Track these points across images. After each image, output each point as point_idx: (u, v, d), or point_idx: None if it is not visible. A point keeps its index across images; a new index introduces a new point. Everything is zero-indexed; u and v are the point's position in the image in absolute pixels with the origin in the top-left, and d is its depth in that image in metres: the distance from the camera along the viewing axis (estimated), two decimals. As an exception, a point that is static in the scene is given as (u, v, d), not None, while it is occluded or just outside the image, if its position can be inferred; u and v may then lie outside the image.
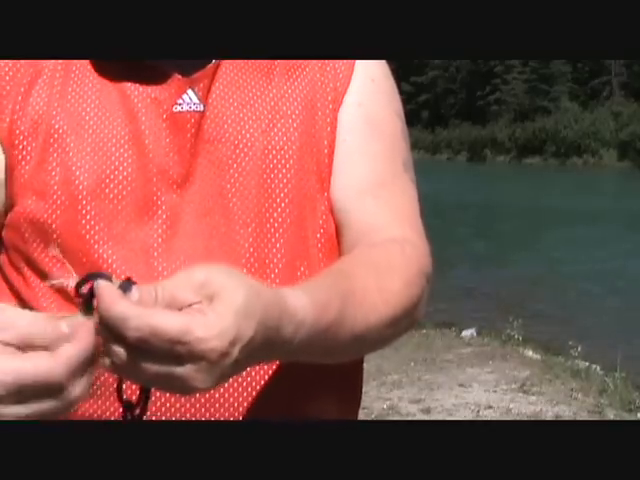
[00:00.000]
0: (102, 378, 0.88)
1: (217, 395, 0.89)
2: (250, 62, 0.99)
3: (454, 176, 36.55)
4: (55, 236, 0.91)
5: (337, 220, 0.98)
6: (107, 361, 0.68)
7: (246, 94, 0.98)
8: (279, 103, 0.98)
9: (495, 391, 5.27)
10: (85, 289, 0.69)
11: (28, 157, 0.93)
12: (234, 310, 0.68)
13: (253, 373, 0.90)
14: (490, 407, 4.93)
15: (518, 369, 5.80)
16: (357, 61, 1.02)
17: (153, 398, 0.76)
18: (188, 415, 0.88)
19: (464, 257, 11.81)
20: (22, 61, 0.96)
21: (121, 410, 0.81)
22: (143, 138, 0.94)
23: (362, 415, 1.06)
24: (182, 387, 0.68)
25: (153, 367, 0.67)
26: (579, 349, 6.28)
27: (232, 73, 0.98)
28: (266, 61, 1.00)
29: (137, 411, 0.76)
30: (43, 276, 0.92)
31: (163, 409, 0.88)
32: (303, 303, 0.76)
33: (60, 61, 0.97)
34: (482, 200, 23.46)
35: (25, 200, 0.93)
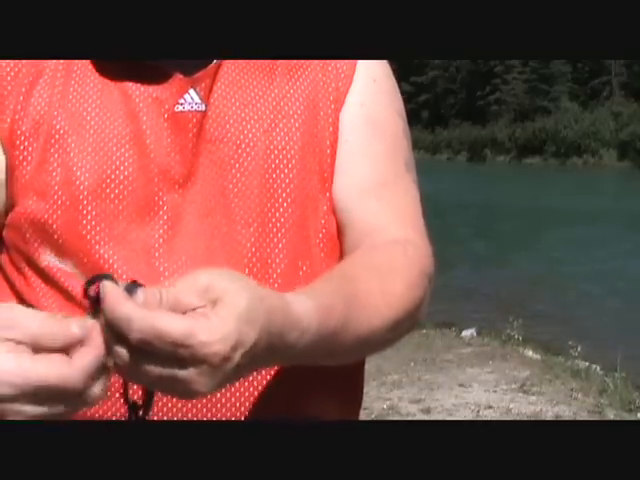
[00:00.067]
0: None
1: (218, 395, 0.89)
2: (252, 62, 0.99)
3: (454, 176, 36.53)
4: (56, 236, 0.91)
5: (339, 220, 0.98)
6: (111, 361, 0.68)
7: (248, 94, 0.98)
8: (281, 103, 0.98)
9: (495, 391, 5.27)
10: (92, 291, 0.69)
11: (29, 157, 0.93)
12: (236, 315, 0.68)
13: (254, 374, 0.90)
14: (490, 407, 4.93)
15: (518, 369, 5.80)
16: (359, 61, 1.02)
17: (155, 398, 0.76)
18: (190, 415, 0.88)
19: (464, 257, 11.81)
20: (24, 61, 0.96)
21: (123, 411, 0.81)
22: (144, 138, 0.93)
23: (362, 415, 1.06)
24: (184, 390, 0.68)
25: (156, 369, 0.67)
26: (579, 349, 6.28)
27: (234, 73, 0.98)
28: (268, 61, 1.00)
29: (141, 412, 0.76)
30: (44, 276, 0.92)
31: (165, 409, 0.88)
32: (308, 308, 0.76)
33: (61, 61, 0.97)
34: (482, 200, 23.45)
35: (26, 200, 0.93)
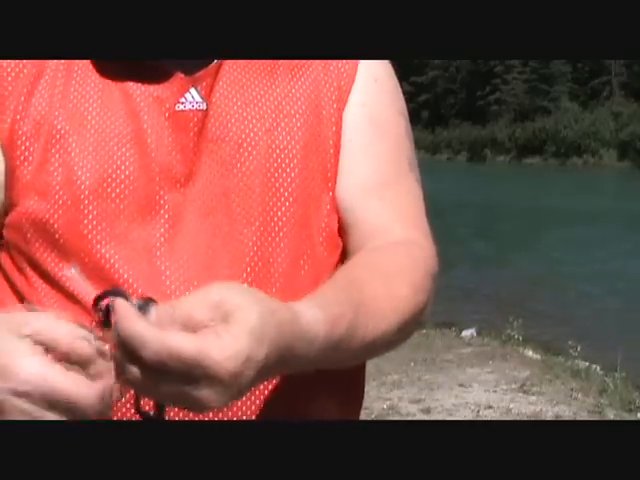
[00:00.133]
0: None
1: None
2: (253, 61, 0.99)
3: (454, 176, 36.54)
4: (57, 236, 0.91)
5: (343, 219, 0.98)
6: (123, 378, 0.69)
7: (250, 93, 0.98)
8: (283, 102, 0.98)
9: (495, 391, 5.27)
10: (103, 305, 0.69)
11: (30, 158, 0.93)
12: (248, 331, 0.69)
13: None
14: (490, 407, 4.93)
15: (518, 369, 5.80)
16: (360, 61, 1.02)
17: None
18: (191, 415, 0.88)
19: (464, 257, 11.80)
20: (25, 61, 0.96)
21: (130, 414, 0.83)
22: (145, 137, 0.93)
23: (362, 415, 1.06)
24: (195, 406, 0.69)
25: (168, 387, 0.68)
26: (579, 349, 6.28)
27: (235, 72, 0.98)
28: (269, 61, 1.00)
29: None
30: (45, 276, 0.92)
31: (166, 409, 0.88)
32: (316, 319, 0.77)
33: (62, 61, 0.97)
34: (482, 200, 23.45)
35: (27, 200, 0.92)
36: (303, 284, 0.93)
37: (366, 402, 1.04)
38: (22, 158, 0.93)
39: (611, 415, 4.85)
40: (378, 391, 5.11)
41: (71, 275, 0.79)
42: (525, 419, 4.65)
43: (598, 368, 5.93)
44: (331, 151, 0.98)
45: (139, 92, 0.95)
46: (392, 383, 5.44)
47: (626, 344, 6.33)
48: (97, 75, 0.96)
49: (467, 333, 7.12)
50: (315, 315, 0.77)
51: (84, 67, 0.97)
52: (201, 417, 0.88)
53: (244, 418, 0.90)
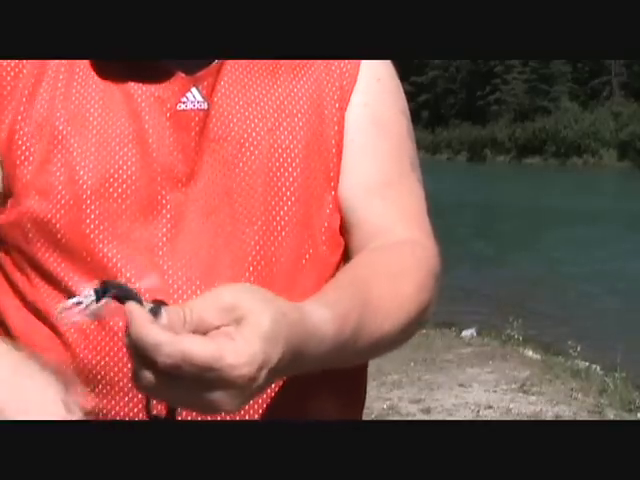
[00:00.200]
0: (115, 377, 0.88)
1: None
2: (255, 61, 0.99)
3: (454, 176, 36.53)
4: (59, 236, 0.91)
5: (346, 219, 0.98)
6: (136, 383, 0.69)
7: (251, 93, 0.98)
8: (284, 102, 0.98)
9: (495, 391, 5.27)
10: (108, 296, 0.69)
11: (31, 158, 0.93)
12: (261, 334, 0.69)
13: None
14: (490, 407, 4.93)
15: (518, 369, 5.80)
16: (362, 61, 1.02)
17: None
18: (192, 415, 0.88)
19: (464, 257, 11.79)
20: (25, 61, 0.96)
21: (136, 411, 0.85)
22: (147, 137, 0.93)
23: (362, 415, 1.06)
24: (209, 409, 0.70)
25: (182, 391, 0.68)
26: (579, 349, 6.28)
27: (237, 72, 0.98)
28: (271, 60, 1.00)
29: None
30: (47, 276, 0.92)
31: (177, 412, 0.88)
32: (325, 319, 0.77)
33: (64, 62, 0.97)
34: (482, 200, 23.45)
35: (28, 200, 0.92)
36: (305, 283, 0.93)
37: (366, 402, 1.05)
38: (22, 158, 0.93)
39: (611, 415, 4.85)
40: (378, 391, 5.11)
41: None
42: (525, 419, 4.65)
43: (598, 368, 5.92)
44: (333, 151, 0.98)
45: (140, 92, 0.95)
46: (392, 383, 5.44)
47: (626, 344, 6.32)
48: (98, 76, 0.96)
49: (467, 333, 7.12)
50: (323, 314, 0.77)
51: (85, 68, 0.97)
52: (202, 417, 0.88)
53: (247, 417, 0.90)
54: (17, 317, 0.94)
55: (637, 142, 48.81)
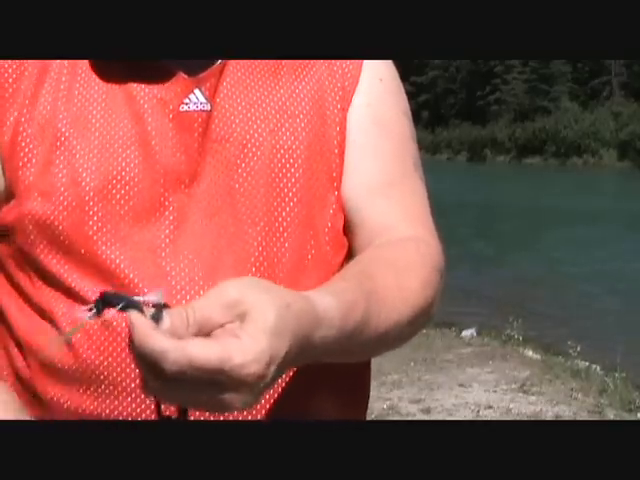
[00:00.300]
0: (118, 378, 0.88)
1: None
2: (257, 62, 0.99)
3: (454, 176, 36.51)
4: (62, 237, 0.91)
5: (349, 219, 0.98)
6: (146, 389, 0.69)
7: (254, 94, 0.98)
8: (287, 103, 0.98)
9: (495, 391, 5.27)
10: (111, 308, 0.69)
11: (33, 160, 0.93)
12: (267, 330, 0.69)
13: None
14: (490, 407, 4.93)
15: (518, 369, 5.80)
16: (364, 61, 1.02)
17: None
18: (197, 413, 0.88)
19: (464, 257, 11.79)
20: (26, 62, 0.96)
21: (139, 411, 0.84)
22: (149, 139, 0.93)
23: (362, 415, 1.06)
24: (221, 409, 0.70)
25: (192, 394, 0.68)
26: (579, 349, 6.27)
27: (239, 73, 0.98)
28: (273, 61, 0.99)
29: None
30: (50, 277, 0.92)
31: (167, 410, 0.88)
32: (331, 306, 0.77)
33: (65, 63, 0.96)
34: (482, 200, 23.45)
35: (30, 202, 0.92)
36: (308, 284, 0.92)
37: (366, 402, 1.05)
38: (25, 160, 0.93)
39: (611, 415, 4.85)
40: (378, 391, 5.11)
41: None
42: (525, 419, 4.65)
43: (598, 368, 5.92)
44: (335, 151, 0.98)
45: (143, 94, 0.95)
46: (392, 383, 5.44)
47: (626, 344, 6.32)
48: (100, 77, 0.96)
49: (467, 333, 7.11)
50: (330, 302, 0.77)
51: (88, 68, 0.97)
52: (203, 417, 0.89)
53: (250, 417, 0.90)
54: (20, 317, 0.94)
55: (637, 142, 48.82)
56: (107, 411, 0.88)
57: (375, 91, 1.02)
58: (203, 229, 0.92)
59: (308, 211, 0.95)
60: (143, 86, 0.95)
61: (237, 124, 0.95)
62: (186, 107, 0.94)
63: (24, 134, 0.94)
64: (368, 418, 1.07)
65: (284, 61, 1.00)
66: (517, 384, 5.40)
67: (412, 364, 5.89)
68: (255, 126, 0.96)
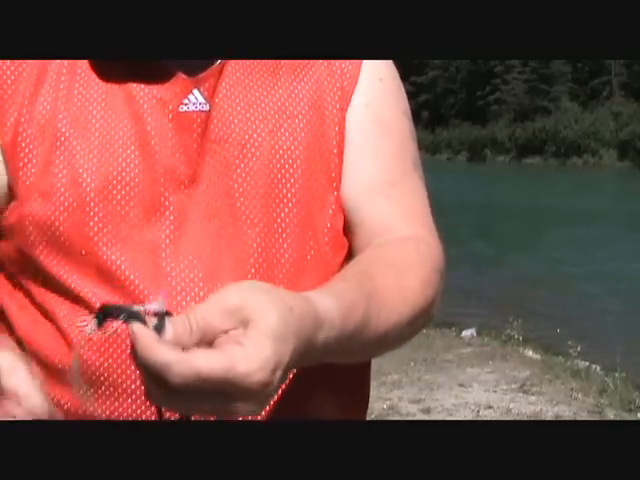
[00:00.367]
0: (119, 379, 0.88)
1: None
2: (256, 62, 0.99)
3: (454, 176, 36.49)
4: (62, 238, 0.91)
5: (349, 219, 0.98)
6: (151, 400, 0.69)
7: (252, 94, 0.98)
8: (286, 103, 0.98)
9: (495, 391, 5.27)
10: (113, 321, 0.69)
11: (34, 160, 0.93)
12: (270, 335, 0.68)
13: None
14: (490, 407, 4.93)
15: (518, 369, 5.80)
16: (364, 61, 1.02)
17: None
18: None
19: (464, 257, 11.78)
20: (25, 62, 0.96)
21: (139, 412, 0.84)
22: (149, 139, 0.93)
23: (362, 415, 1.06)
24: (227, 415, 0.70)
25: (198, 404, 0.68)
26: (579, 349, 6.27)
27: (238, 73, 0.98)
28: (272, 61, 0.99)
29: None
30: (50, 279, 0.92)
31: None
32: (331, 307, 0.77)
33: (65, 63, 0.96)
34: (482, 200, 23.44)
35: (30, 202, 0.92)
36: (308, 284, 0.92)
37: (366, 402, 1.04)
38: (25, 160, 0.93)
39: (611, 415, 4.85)
40: (378, 391, 5.11)
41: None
42: (525, 419, 4.65)
43: (598, 368, 5.92)
44: (334, 151, 0.98)
45: (142, 94, 0.95)
46: (392, 383, 5.44)
47: (626, 344, 6.32)
48: (100, 77, 0.96)
49: (467, 333, 7.11)
50: (330, 303, 0.77)
51: (87, 68, 0.97)
52: (205, 417, 0.89)
53: (250, 417, 0.90)
54: (21, 317, 0.94)
55: (637, 142, 48.81)
56: (107, 412, 0.88)
57: (375, 91, 1.02)
58: (203, 230, 0.92)
59: (307, 211, 0.95)
60: (143, 86, 0.95)
61: (236, 124, 0.95)
62: (185, 107, 0.94)
63: (24, 134, 0.94)
64: (368, 418, 1.06)
65: (283, 61, 1.00)
66: (517, 384, 5.40)
67: (412, 364, 5.89)
68: (254, 126, 0.96)
